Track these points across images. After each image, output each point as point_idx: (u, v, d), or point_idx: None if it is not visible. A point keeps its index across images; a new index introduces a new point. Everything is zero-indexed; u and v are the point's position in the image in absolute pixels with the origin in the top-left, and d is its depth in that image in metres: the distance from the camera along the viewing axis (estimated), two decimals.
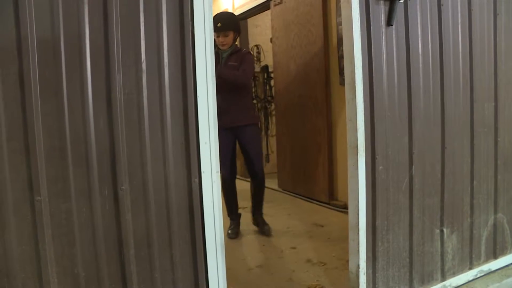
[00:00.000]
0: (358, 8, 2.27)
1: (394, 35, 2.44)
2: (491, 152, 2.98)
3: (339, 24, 4.61)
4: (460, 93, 2.77)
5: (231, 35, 3.83)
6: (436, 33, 2.64)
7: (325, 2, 4.78)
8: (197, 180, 1.95)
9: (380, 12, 2.36)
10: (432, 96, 2.64)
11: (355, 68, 2.27)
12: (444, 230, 2.74)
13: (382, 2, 2.35)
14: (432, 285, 2.73)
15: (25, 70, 1.68)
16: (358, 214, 2.35)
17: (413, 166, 2.57)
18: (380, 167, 2.43)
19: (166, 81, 1.89)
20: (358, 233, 2.35)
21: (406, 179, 2.55)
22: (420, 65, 2.57)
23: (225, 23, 3.78)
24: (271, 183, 6.09)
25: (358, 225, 2.35)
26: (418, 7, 2.53)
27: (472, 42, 2.81)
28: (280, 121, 5.80)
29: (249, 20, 6.62)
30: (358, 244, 2.36)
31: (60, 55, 1.75)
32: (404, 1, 2.42)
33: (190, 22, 1.92)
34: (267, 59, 6.65)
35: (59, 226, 1.75)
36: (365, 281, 2.42)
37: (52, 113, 1.74)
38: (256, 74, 6.75)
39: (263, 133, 6.61)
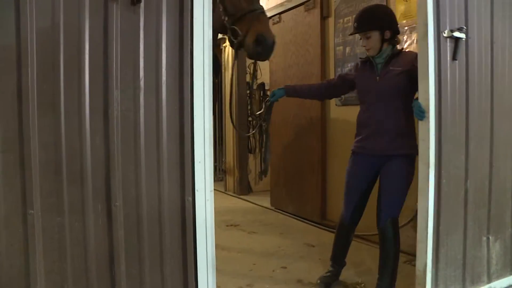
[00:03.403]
0: (433, 45, 2.56)
1: (457, 68, 2.72)
2: None
3: (337, 45, 4.66)
4: (506, 119, 3.02)
5: (375, 36, 2.88)
6: (489, 66, 2.91)
7: (323, 23, 4.83)
8: (190, 198, 1.95)
9: (447, 48, 2.65)
10: (484, 121, 2.89)
11: (429, 96, 2.56)
12: (490, 237, 2.99)
13: (449, 39, 2.66)
14: (480, 286, 2.92)
15: (23, 83, 1.70)
16: (427, 220, 2.61)
17: (468, 181, 2.82)
18: (444, 181, 2.67)
19: (164, 99, 1.90)
20: (427, 237, 2.61)
21: (462, 192, 2.80)
22: (476, 93, 2.82)
23: (363, 22, 2.90)
24: (263, 201, 6.09)
25: (427, 229, 2.61)
26: (475, 44, 2.81)
27: None
28: (275, 140, 5.81)
29: None
30: (427, 246, 2.62)
31: (59, 68, 1.77)
32: (465, 39, 2.73)
33: (189, 42, 1.94)
34: (264, 76, 6.67)
35: (51, 240, 1.74)
36: (430, 278, 2.63)
37: (49, 126, 1.75)
38: (252, 92, 6.78)
39: (257, 150, 6.60)
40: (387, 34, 2.88)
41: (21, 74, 1.69)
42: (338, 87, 3.29)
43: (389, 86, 2.87)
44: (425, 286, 2.61)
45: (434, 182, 2.61)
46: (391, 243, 2.82)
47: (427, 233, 2.61)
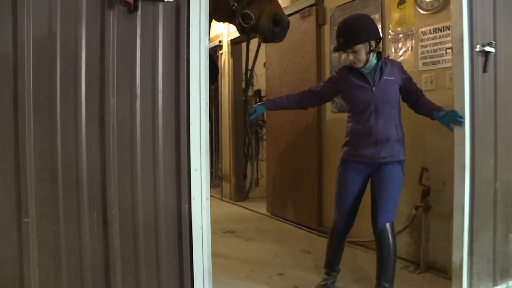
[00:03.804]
0: (468, 59, 2.81)
1: (487, 80, 2.95)
2: None
3: (333, 52, 4.67)
4: None
5: (362, 49, 2.87)
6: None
7: (319, 31, 4.85)
8: (186, 206, 1.95)
9: (478, 62, 2.88)
10: (509, 127, 3.11)
11: (465, 104, 2.79)
12: None
13: (480, 53, 2.90)
14: (508, 280, 3.08)
15: (19, 91, 1.70)
16: (463, 217, 2.82)
17: (497, 182, 3.03)
18: (477, 182, 2.87)
19: (160, 107, 1.90)
20: (463, 233, 2.82)
21: (492, 192, 3.00)
22: (502, 102, 3.04)
23: (349, 37, 2.87)
24: (260, 207, 6.08)
25: (463, 226, 2.82)
26: (502, 57, 3.04)
27: None
28: (271, 146, 5.81)
29: (243, 44, 6.67)
30: (463, 241, 2.83)
31: (55, 76, 1.77)
32: (494, 53, 2.97)
33: (185, 49, 1.95)
34: (260, 83, 6.69)
35: (46, 248, 1.74)
36: (466, 271, 2.82)
37: (45, 134, 1.75)
38: (248, 98, 6.78)
39: (253, 157, 6.61)
40: (372, 44, 2.90)
41: (17, 82, 1.70)
42: (323, 95, 3.26)
43: (386, 96, 2.92)
44: (461, 279, 2.81)
45: (469, 183, 2.83)
46: (389, 248, 2.85)
47: (463, 229, 2.82)
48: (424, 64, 3.75)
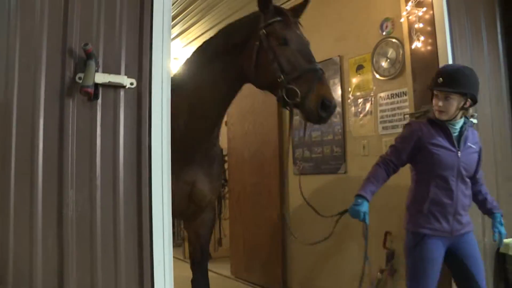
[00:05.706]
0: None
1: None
2: None
3: (295, 114, 4.72)
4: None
5: (456, 100, 2.64)
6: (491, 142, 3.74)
7: None
8: None
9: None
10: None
11: None
12: None
13: None
14: None
15: None
16: None
17: (485, 238, 3.41)
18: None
19: (121, 197, 1.83)
20: None
21: (481, 246, 3.20)
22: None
23: (451, 81, 2.62)
24: (223, 268, 5.95)
25: None
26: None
27: None
28: (234, 207, 5.76)
29: None
30: None
31: (10, 166, 1.68)
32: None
33: (147, 137, 1.90)
34: (222, 140, 6.67)
35: None
36: None
37: None
38: None
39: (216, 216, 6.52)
40: (467, 103, 2.69)
41: None
42: (405, 161, 2.86)
43: (470, 164, 2.77)
44: None
45: None
46: None
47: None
48: (383, 128, 3.84)
